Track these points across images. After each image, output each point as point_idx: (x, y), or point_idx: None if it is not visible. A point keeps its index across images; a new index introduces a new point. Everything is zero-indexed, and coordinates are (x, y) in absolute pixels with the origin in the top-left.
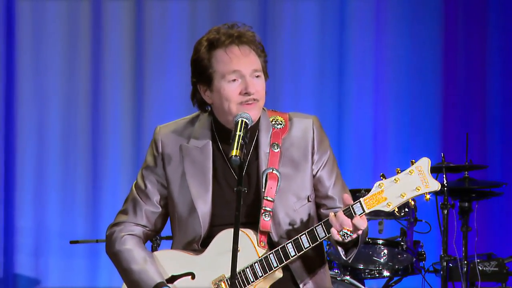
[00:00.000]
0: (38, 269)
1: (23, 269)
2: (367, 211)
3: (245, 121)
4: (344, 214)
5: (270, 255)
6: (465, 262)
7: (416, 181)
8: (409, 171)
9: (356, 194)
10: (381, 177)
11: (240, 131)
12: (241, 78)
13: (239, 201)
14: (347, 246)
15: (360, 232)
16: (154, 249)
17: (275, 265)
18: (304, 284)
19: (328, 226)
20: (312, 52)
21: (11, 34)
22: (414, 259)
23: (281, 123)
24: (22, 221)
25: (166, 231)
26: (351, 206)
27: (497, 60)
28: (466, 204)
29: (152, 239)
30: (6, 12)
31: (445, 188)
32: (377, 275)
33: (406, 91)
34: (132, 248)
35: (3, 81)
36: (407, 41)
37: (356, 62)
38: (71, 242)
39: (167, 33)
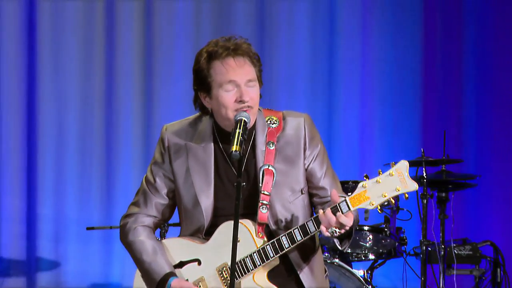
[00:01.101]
0: (57, 253)
1: (44, 253)
2: (352, 209)
3: (244, 120)
4: (332, 211)
5: (267, 246)
6: (443, 246)
7: (396, 182)
8: (390, 173)
9: (345, 186)
10: (365, 178)
11: (239, 128)
12: (236, 87)
13: (239, 192)
14: (341, 237)
15: (347, 228)
16: (162, 234)
17: (271, 255)
18: (300, 268)
19: (318, 222)
20: (304, 55)
21: (33, 34)
22: (397, 244)
23: (275, 122)
24: (43, 210)
25: (173, 218)
26: (338, 204)
27: (472, 64)
28: (444, 194)
29: (162, 225)
30: (28, 12)
31: (425, 180)
32: (363, 258)
33: (390, 92)
34: (144, 239)
35: (25, 80)
36: (390, 46)
37: (344, 64)
38: (88, 229)
39: (174, 33)
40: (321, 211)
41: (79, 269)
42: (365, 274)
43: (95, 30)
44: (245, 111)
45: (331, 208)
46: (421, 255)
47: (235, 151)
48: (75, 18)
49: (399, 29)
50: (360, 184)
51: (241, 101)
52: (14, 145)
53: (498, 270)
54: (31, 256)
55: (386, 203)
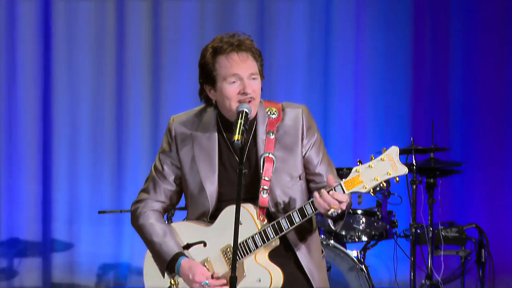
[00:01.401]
0: (71, 235)
1: (59, 235)
2: (346, 192)
3: (245, 111)
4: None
5: (268, 228)
6: (431, 228)
7: (387, 166)
8: (381, 158)
9: (339, 172)
10: (358, 163)
11: (241, 119)
12: (239, 80)
13: (241, 178)
14: (335, 218)
15: (343, 206)
16: (169, 218)
17: (271, 236)
18: (298, 249)
19: (313, 205)
20: (301, 51)
21: (48, 32)
22: (388, 226)
23: (275, 113)
24: (57, 194)
25: (180, 203)
26: (334, 188)
27: (458, 59)
28: (432, 180)
29: (170, 210)
30: (44, 11)
31: (414, 167)
32: (356, 239)
33: (381, 85)
34: (153, 222)
35: (41, 74)
36: (381, 42)
37: (338, 59)
38: (99, 212)
39: (180, 31)
40: (317, 194)
41: (91, 250)
42: (359, 255)
43: (106, 29)
44: (248, 102)
45: (327, 192)
46: (411, 237)
47: (237, 140)
48: (87, 17)
49: (390, 27)
50: (353, 169)
51: (244, 93)
52: (31, 134)
53: (483, 251)
54: (47, 238)
55: (378, 188)
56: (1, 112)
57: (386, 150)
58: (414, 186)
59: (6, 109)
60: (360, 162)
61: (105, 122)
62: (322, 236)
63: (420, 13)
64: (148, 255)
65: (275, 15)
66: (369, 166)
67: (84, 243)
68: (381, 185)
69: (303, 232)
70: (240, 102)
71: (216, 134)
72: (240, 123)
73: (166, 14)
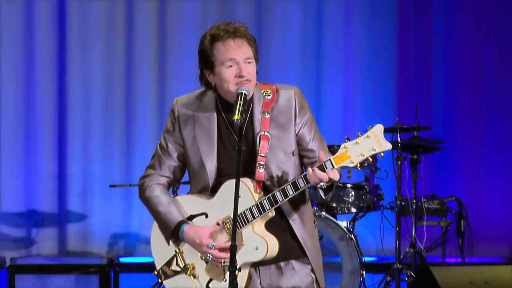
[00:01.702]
0: (84, 207)
1: (73, 207)
2: (336, 167)
3: (244, 93)
4: (319, 169)
5: (264, 200)
6: (414, 201)
7: (373, 143)
8: (367, 135)
9: (331, 149)
10: (346, 140)
11: (240, 100)
12: (236, 64)
13: (240, 154)
14: (326, 190)
15: (334, 179)
16: (174, 191)
17: (267, 208)
18: (292, 219)
19: (307, 179)
20: (295, 38)
21: (64, 26)
22: (375, 199)
23: (270, 94)
24: (72, 170)
25: (184, 177)
26: (324, 163)
27: (439, 44)
28: (415, 157)
29: (175, 184)
30: (59, 9)
31: (399, 144)
32: (346, 211)
33: (369, 69)
34: (159, 194)
35: (57, 60)
36: (369, 30)
37: (329, 46)
38: (110, 186)
39: (184, 27)
40: (310, 169)
41: (103, 221)
42: (348, 225)
43: (117, 24)
44: (244, 84)
45: (318, 167)
46: (396, 209)
47: (237, 120)
48: (99, 15)
49: (377, 15)
50: (342, 146)
51: (241, 76)
52: (47, 113)
53: (462, 221)
54: (62, 210)
55: (366, 163)
56: (21, 96)
57: (371, 128)
58: (399, 162)
59: (25, 94)
60: (348, 139)
61: (116, 104)
62: (315, 208)
63: (404, 5)
64: (155, 225)
65: (272, 5)
66: (356, 142)
67: (96, 215)
68: (368, 160)
69: (297, 203)
70: (237, 84)
71: (215, 114)
72: (240, 104)
73: (171, 11)
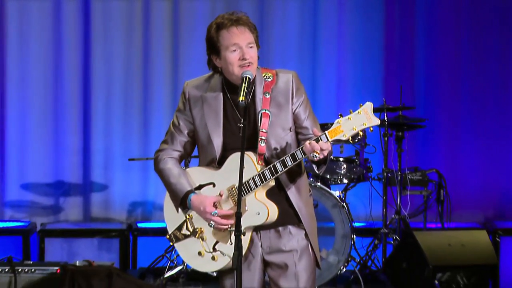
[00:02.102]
0: (106, 178)
1: (96, 178)
2: (330, 140)
3: (248, 77)
4: (315, 141)
5: (265, 171)
6: (399, 173)
7: (363, 118)
8: (358, 112)
9: (324, 127)
10: (339, 116)
11: (245, 83)
12: (239, 49)
13: (244, 132)
14: (319, 163)
15: (326, 153)
16: (186, 164)
17: (268, 177)
18: (289, 189)
19: (303, 150)
20: (294, 29)
21: (88, 23)
22: (364, 171)
23: (270, 77)
24: (95, 145)
25: (194, 152)
26: (319, 136)
27: (422, 33)
28: (400, 134)
29: (186, 158)
30: (84, 8)
31: (386, 122)
32: (339, 182)
33: (359, 55)
34: (171, 167)
35: (82, 47)
36: (359, 21)
37: (324, 35)
38: (129, 159)
39: (195, 23)
40: (307, 142)
41: (123, 191)
42: (340, 194)
43: (135, 22)
44: (247, 66)
45: (314, 140)
46: (383, 180)
47: (242, 100)
48: (120, 12)
49: (366, 8)
50: (335, 121)
51: (244, 59)
52: (73, 95)
53: (441, 191)
54: (86, 181)
55: (357, 137)
56: (50, 79)
57: (362, 105)
58: (386, 138)
59: (54, 78)
60: (341, 115)
61: (134, 87)
62: (311, 179)
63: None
64: (167, 195)
65: (273, 2)
66: (348, 118)
67: (116, 185)
68: (358, 134)
69: (294, 175)
70: (240, 66)
71: (221, 95)
72: (244, 86)
73: (184, 10)
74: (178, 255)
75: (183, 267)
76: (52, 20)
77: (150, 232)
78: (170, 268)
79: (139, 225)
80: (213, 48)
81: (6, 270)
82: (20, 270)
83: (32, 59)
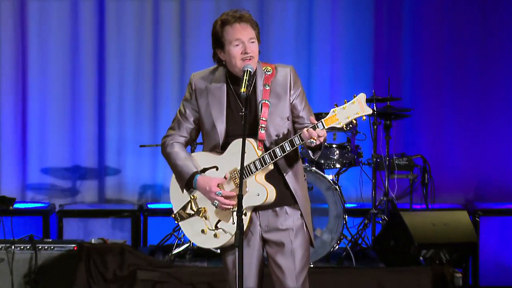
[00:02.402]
0: (119, 163)
1: (110, 163)
2: (326, 127)
3: (249, 70)
4: (312, 128)
5: (265, 155)
6: (387, 158)
7: (357, 108)
8: (352, 102)
9: (319, 116)
10: (335, 106)
11: (246, 76)
12: (242, 44)
13: (246, 120)
14: (314, 149)
15: (321, 139)
16: (192, 150)
17: (268, 161)
18: (286, 173)
19: (301, 137)
20: (292, 26)
21: (102, 21)
22: (355, 157)
23: (270, 71)
24: (109, 132)
25: (199, 139)
26: (316, 124)
27: (408, 31)
28: (388, 122)
29: (191, 144)
30: (99, 8)
31: (375, 112)
32: (332, 166)
33: (351, 50)
34: (178, 151)
35: (97, 43)
36: (351, 19)
37: (319, 33)
38: (141, 146)
39: (200, 22)
40: (305, 130)
41: (134, 174)
42: (334, 178)
43: (146, 20)
44: (248, 60)
45: (311, 127)
46: (372, 165)
47: (243, 92)
48: (132, 12)
49: (357, 7)
50: (331, 110)
51: (246, 53)
52: (89, 87)
53: (426, 175)
54: (101, 165)
55: (350, 125)
56: (67, 73)
57: (356, 96)
58: (375, 127)
59: (71, 72)
60: (336, 105)
61: (145, 79)
62: (306, 164)
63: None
64: (173, 178)
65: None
66: (343, 108)
67: (128, 169)
68: (352, 122)
69: (291, 160)
70: (243, 59)
71: (225, 86)
72: (246, 79)
73: (191, 10)
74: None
75: (190, 245)
76: (70, 19)
77: (159, 213)
78: (178, 246)
79: (149, 206)
80: (218, 42)
81: (28, 247)
82: (40, 247)
83: (51, 54)
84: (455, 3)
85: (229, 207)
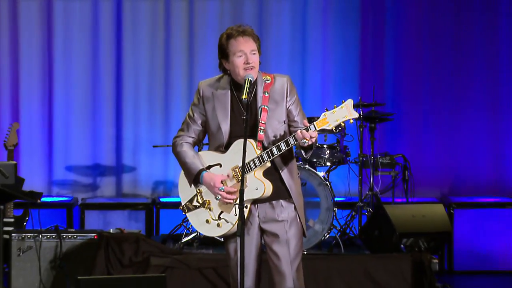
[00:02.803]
0: (134, 161)
1: (126, 161)
2: (317, 129)
3: (250, 79)
4: (305, 130)
5: (263, 154)
6: (372, 157)
7: (345, 112)
8: (341, 107)
9: (311, 119)
10: (325, 110)
11: (247, 84)
12: (244, 55)
13: (247, 123)
14: (306, 149)
15: (313, 140)
16: (199, 149)
17: (266, 159)
18: (282, 170)
19: (295, 138)
20: (287, 38)
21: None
22: (344, 156)
23: (269, 79)
24: (126, 134)
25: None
26: (309, 126)
27: (392, 44)
28: (373, 125)
29: (198, 144)
30: (117, 8)
31: (361, 116)
32: (323, 164)
33: (340, 60)
34: (186, 150)
35: (115, 53)
36: (340, 33)
37: (312, 43)
38: (153, 146)
39: (207, 22)
40: (298, 131)
41: (148, 171)
42: (324, 175)
43: (157, 21)
44: (250, 69)
45: (304, 129)
46: (359, 163)
47: (245, 98)
48: (145, 13)
49: (345, 20)
50: (322, 114)
51: (247, 63)
52: (107, 92)
53: (406, 172)
54: (119, 163)
55: (339, 128)
56: (88, 79)
57: (344, 101)
58: (361, 129)
59: (92, 78)
60: (327, 110)
61: (157, 85)
62: (300, 162)
63: (365, 13)
64: (181, 174)
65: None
66: (333, 112)
67: (143, 167)
68: (341, 125)
69: (286, 159)
70: (245, 69)
71: (229, 92)
72: (247, 87)
73: (198, 10)
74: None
75: (197, 234)
76: (91, 20)
77: (170, 205)
78: (186, 235)
79: (161, 199)
80: (223, 53)
81: (53, 236)
82: (64, 236)
83: (75, 61)
84: (431, 18)
85: (230, 201)
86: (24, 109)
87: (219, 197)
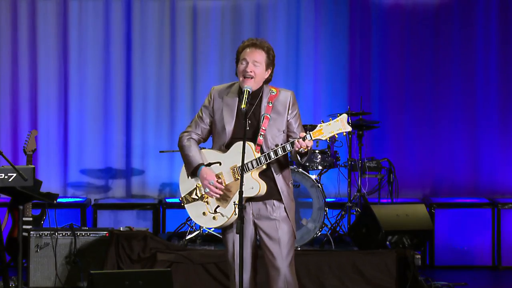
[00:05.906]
0: (143, 166)
1: (136, 165)
2: (313, 138)
3: (247, 90)
4: (302, 138)
5: (261, 157)
6: (360, 161)
7: (339, 125)
8: (336, 120)
9: (305, 127)
10: (321, 122)
11: (246, 94)
12: (246, 63)
13: (245, 126)
14: (302, 155)
15: (308, 148)
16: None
17: (263, 161)
18: (276, 174)
19: (291, 145)
20: (281, 52)
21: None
22: (334, 160)
23: (274, 92)
24: (135, 140)
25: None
26: (305, 135)
27: (376, 58)
28: (361, 132)
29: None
30: (127, 13)
31: (350, 124)
32: (315, 168)
33: (331, 74)
34: (190, 144)
35: (124, 67)
36: (330, 46)
37: (304, 56)
38: (160, 151)
39: (208, 41)
40: (296, 140)
41: (155, 175)
42: (316, 177)
43: (164, 23)
44: (249, 79)
45: (301, 138)
46: (348, 166)
47: (243, 107)
48: (152, 13)
49: (335, 35)
50: (318, 125)
51: (245, 71)
52: (118, 102)
53: (391, 175)
54: (128, 167)
55: (333, 139)
56: (101, 90)
57: (339, 115)
58: (350, 136)
59: (103, 87)
60: (323, 121)
61: (163, 96)
62: (295, 166)
63: (353, 31)
64: (183, 168)
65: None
66: (328, 124)
67: (151, 170)
68: (334, 136)
69: (281, 166)
70: (243, 77)
71: (237, 98)
72: (245, 97)
73: (201, 10)
74: (196, 224)
75: (200, 232)
76: (103, 21)
77: (175, 206)
78: (190, 233)
79: (167, 200)
80: (236, 59)
81: (68, 234)
82: (78, 234)
83: (88, 72)
84: (413, 35)
85: (216, 195)
86: (42, 118)
87: (207, 189)
